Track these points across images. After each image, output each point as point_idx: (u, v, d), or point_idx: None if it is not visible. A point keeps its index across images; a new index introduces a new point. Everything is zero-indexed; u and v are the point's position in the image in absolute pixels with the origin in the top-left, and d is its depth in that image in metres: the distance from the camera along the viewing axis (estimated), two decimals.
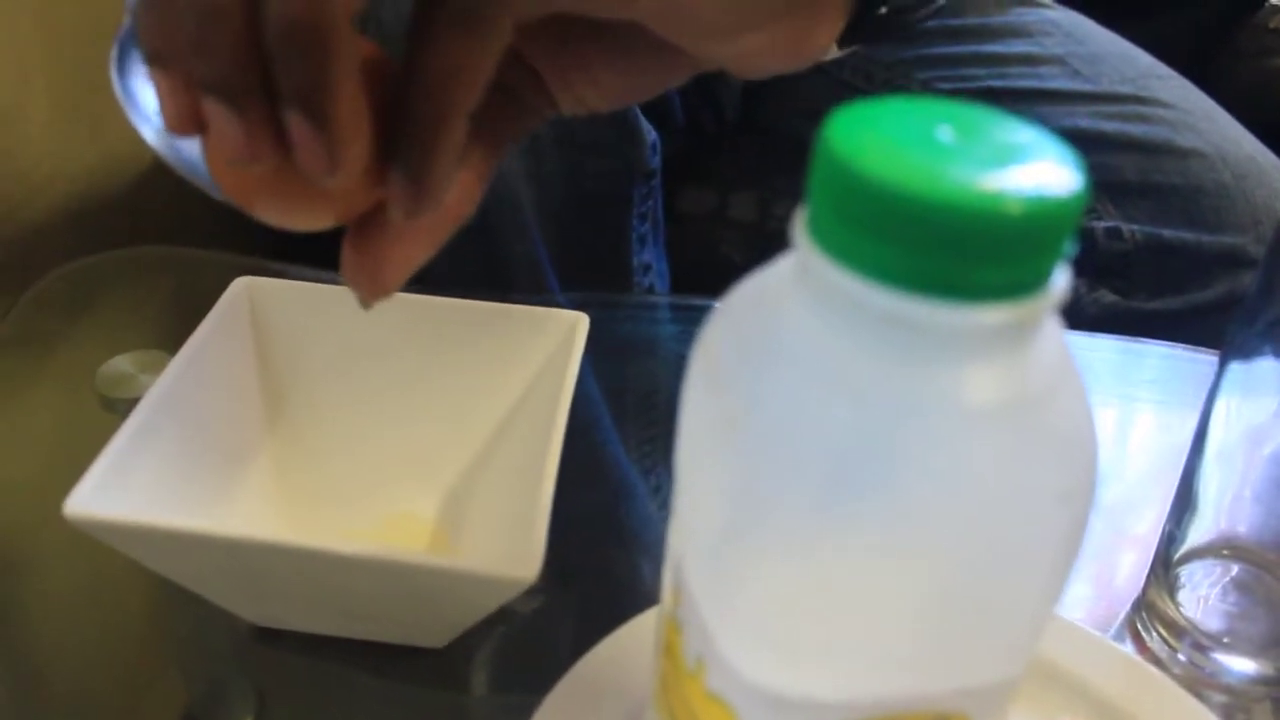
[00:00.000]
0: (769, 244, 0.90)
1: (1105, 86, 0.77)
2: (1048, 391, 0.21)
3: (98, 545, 0.36)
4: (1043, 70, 0.79)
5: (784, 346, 0.22)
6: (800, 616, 0.22)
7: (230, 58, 0.24)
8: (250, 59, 0.25)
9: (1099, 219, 0.74)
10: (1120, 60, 0.78)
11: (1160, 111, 0.75)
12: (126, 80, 0.36)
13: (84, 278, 0.62)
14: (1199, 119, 0.75)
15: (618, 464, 0.57)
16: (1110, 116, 0.75)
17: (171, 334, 0.61)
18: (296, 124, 0.25)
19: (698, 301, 0.60)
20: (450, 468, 0.44)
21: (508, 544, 0.35)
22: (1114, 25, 0.82)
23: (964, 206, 0.19)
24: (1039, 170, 0.20)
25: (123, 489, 0.36)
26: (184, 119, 0.26)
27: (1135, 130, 0.75)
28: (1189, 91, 0.77)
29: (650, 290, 0.69)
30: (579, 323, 0.42)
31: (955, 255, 0.19)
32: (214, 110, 0.25)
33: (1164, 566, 0.43)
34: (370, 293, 0.29)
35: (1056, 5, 0.84)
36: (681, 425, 0.24)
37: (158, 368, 0.55)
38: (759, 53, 0.31)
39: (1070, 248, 0.20)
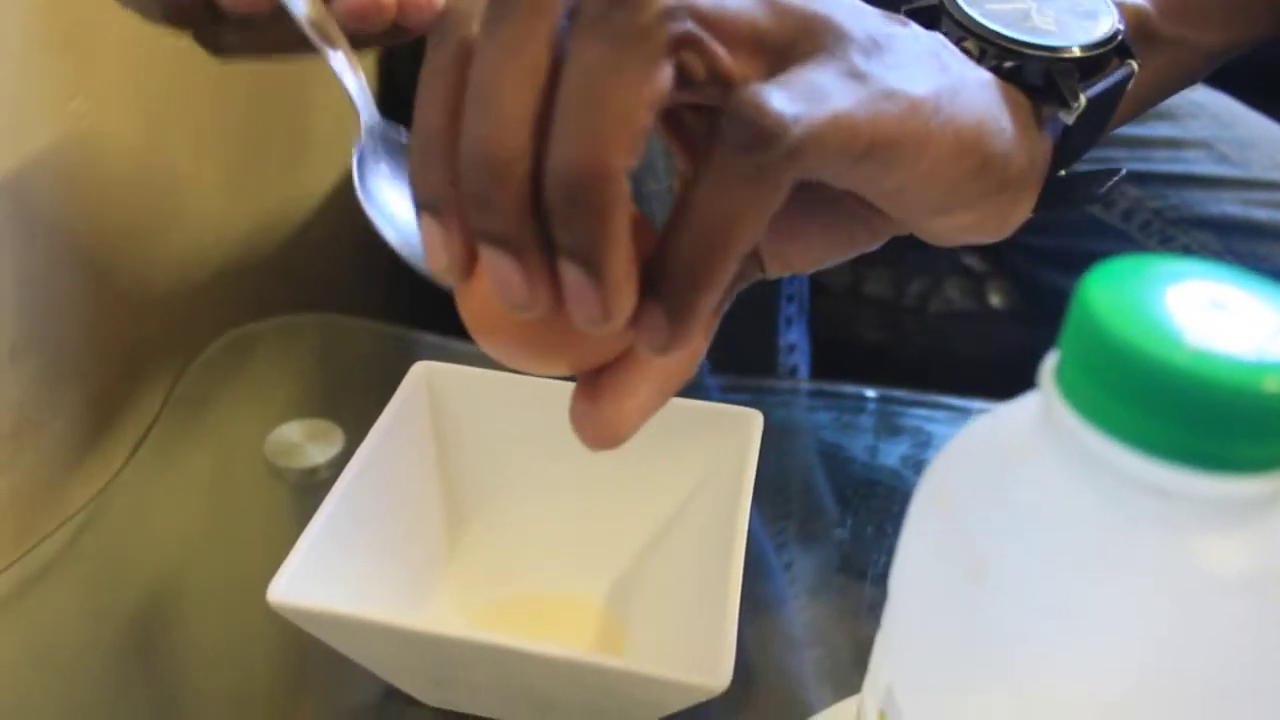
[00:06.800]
0: (902, 321, 0.89)
1: (1255, 173, 0.75)
2: None
3: (256, 609, 0.37)
4: (1188, 154, 0.77)
5: (1033, 501, 0.22)
6: None
7: (514, 212, 0.25)
8: (532, 212, 0.25)
9: None
10: (1271, 145, 0.77)
11: None
12: (367, 181, 0.38)
13: (249, 343, 0.65)
14: None
15: (755, 540, 0.57)
16: (1260, 204, 0.74)
17: (333, 401, 0.64)
18: (573, 276, 0.25)
19: (834, 388, 0.64)
20: (620, 554, 0.45)
21: (694, 649, 0.36)
22: (1263, 108, 0.81)
23: (1231, 384, 0.19)
24: None
25: (318, 577, 0.38)
26: (456, 266, 0.26)
27: None
28: None
29: (794, 371, 0.70)
30: (754, 421, 0.43)
31: (1217, 430, 0.20)
32: (494, 259, 0.25)
33: None
34: (602, 443, 0.29)
35: (1202, 87, 0.83)
36: (907, 552, 0.25)
37: (324, 438, 0.57)
38: (966, 228, 0.32)
39: None
